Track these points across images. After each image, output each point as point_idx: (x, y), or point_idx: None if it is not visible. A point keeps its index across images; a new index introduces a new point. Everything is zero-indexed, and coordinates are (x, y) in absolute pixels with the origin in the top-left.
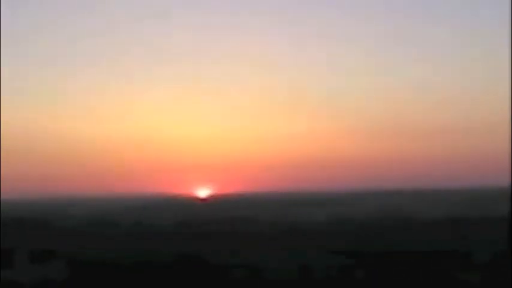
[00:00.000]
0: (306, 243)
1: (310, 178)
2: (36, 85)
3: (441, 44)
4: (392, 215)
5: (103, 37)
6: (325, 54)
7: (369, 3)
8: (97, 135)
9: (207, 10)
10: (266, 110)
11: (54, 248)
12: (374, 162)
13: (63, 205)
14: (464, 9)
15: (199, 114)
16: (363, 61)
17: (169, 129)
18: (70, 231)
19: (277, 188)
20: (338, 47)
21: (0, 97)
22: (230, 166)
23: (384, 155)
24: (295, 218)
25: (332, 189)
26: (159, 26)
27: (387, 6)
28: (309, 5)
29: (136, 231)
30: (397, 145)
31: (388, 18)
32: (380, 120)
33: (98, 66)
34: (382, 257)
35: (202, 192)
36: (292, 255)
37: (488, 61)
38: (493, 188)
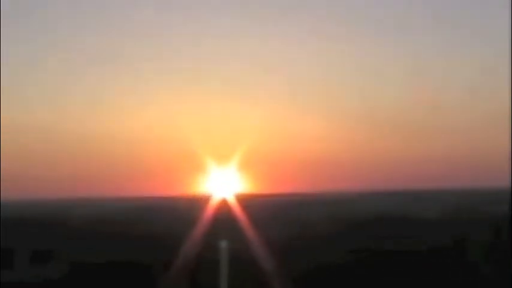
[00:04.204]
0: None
1: (308, 179)
2: (36, 85)
3: (441, 44)
4: (392, 215)
5: (104, 35)
6: (326, 51)
7: (372, 3)
8: (98, 135)
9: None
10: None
11: (55, 248)
12: (374, 162)
13: (64, 206)
14: (463, 9)
15: (205, 114)
16: (364, 59)
17: (171, 129)
18: (71, 232)
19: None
20: (350, 46)
21: (0, 97)
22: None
23: (383, 155)
24: (294, 218)
25: (331, 189)
26: (164, 23)
27: (389, 5)
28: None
29: (138, 232)
30: (397, 145)
31: (387, 17)
32: (380, 119)
33: (99, 66)
34: (383, 256)
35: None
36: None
37: (488, 61)
38: (493, 189)
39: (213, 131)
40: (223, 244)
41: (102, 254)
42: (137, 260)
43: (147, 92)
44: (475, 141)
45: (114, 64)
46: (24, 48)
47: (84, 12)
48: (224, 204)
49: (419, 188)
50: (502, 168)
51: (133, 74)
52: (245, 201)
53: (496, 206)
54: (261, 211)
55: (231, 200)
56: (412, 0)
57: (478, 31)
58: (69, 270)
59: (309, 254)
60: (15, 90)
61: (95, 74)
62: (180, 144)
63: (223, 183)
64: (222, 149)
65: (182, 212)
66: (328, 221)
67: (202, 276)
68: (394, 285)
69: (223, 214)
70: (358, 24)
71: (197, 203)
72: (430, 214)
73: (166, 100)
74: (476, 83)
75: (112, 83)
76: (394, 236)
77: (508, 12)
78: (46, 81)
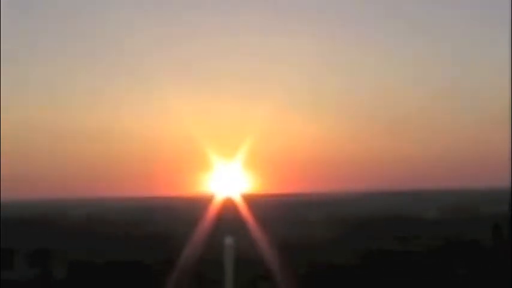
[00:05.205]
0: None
1: (309, 179)
2: (37, 85)
3: (442, 44)
4: (393, 215)
5: (104, 33)
6: (328, 51)
7: (375, 3)
8: (99, 135)
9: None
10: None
11: (55, 248)
12: (374, 162)
13: (64, 206)
14: (464, 10)
15: (208, 113)
16: (363, 60)
17: (172, 129)
18: (70, 232)
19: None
20: (346, 46)
21: (0, 97)
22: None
23: (383, 155)
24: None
25: (331, 190)
26: (168, 21)
27: (392, 6)
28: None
29: (138, 232)
30: (396, 145)
31: (388, 17)
32: (380, 120)
33: (99, 65)
34: (384, 256)
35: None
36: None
37: (488, 61)
38: (493, 189)
39: (217, 131)
40: (229, 240)
41: (101, 254)
42: (137, 260)
43: (149, 91)
44: (475, 141)
45: (116, 63)
46: (24, 47)
47: (83, 11)
48: (229, 203)
49: (419, 188)
50: (502, 168)
51: (136, 73)
52: (249, 200)
53: (496, 206)
54: (265, 211)
55: (236, 199)
56: (415, 2)
57: (478, 31)
58: (69, 270)
59: (313, 254)
60: (15, 91)
61: (96, 73)
62: (183, 144)
63: (227, 183)
64: (226, 149)
65: (186, 212)
66: (331, 222)
67: (206, 275)
68: (396, 285)
69: (228, 214)
70: (359, 25)
71: (201, 203)
72: (431, 214)
73: (169, 99)
74: (476, 83)
75: (113, 82)
76: (395, 236)
77: (508, 12)
78: (47, 80)
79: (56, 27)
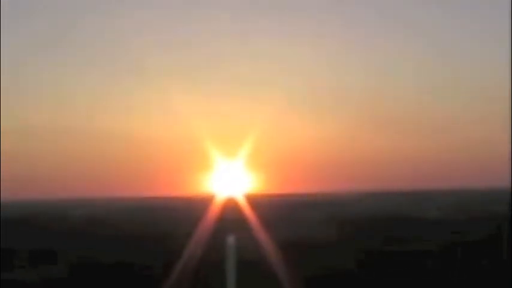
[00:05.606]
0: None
1: (310, 180)
2: (37, 85)
3: (442, 44)
4: (394, 216)
5: (106, 34)
6: (328, 52)
7: (375, 2)
8: (98, 135)
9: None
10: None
11: (55, 248)
12: (375, 162)
13: (64, 206)
14: (464, 9)
15: (210, 114)
16: (364, 59)
17: (172, 128)
18: (71, 232)
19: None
20: (342, 46)
21: (0, 97)
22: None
23: (384, 156)
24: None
25: (332, 190)
26: (168, 20)
27: (391, 5)
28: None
29: (138, 233)
30: (397, 145)
31: (391, 17)
32: (381, 119)
33: (100, 65)
34: (384, 257)
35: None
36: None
37: (488, 61)
38: (493, 189)
39: (219, 131)
40: (230, 240)
41: (102, 255)
42: (138, 260)
43: (150, 91)
44: (475, 141)
45: (116, 63)
46: (24, 47)
47: (85, 10)
48: (231, 203)
49: (419, 188)
50: (502, 168)
51: (137, 73)
52: (251, 200)
53: (496, 206)
54: (267, 211)
55: (238, 199)
56: (417, 2)
57: (478, 31)
58: (69, 270)
59: (315, 254)
60: (15, 91)
61: (97, 73)
62: (184, 144)
63: (229, 183)
64: (228, 148)
65: (187, 213)
66: (332, 222)
67: (207, 275)
68: (396, 285)
69: (230, 214)
70: (359, 25)
71: (202, 203)
72: (431, 214)
73: (170, 99)
74: (476, 83)
75: (114, 82)
76: (395, 236)
77: (508, 12)
78: (48, 81)
79: (56, 27)
